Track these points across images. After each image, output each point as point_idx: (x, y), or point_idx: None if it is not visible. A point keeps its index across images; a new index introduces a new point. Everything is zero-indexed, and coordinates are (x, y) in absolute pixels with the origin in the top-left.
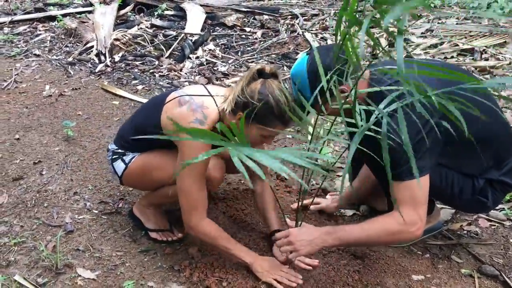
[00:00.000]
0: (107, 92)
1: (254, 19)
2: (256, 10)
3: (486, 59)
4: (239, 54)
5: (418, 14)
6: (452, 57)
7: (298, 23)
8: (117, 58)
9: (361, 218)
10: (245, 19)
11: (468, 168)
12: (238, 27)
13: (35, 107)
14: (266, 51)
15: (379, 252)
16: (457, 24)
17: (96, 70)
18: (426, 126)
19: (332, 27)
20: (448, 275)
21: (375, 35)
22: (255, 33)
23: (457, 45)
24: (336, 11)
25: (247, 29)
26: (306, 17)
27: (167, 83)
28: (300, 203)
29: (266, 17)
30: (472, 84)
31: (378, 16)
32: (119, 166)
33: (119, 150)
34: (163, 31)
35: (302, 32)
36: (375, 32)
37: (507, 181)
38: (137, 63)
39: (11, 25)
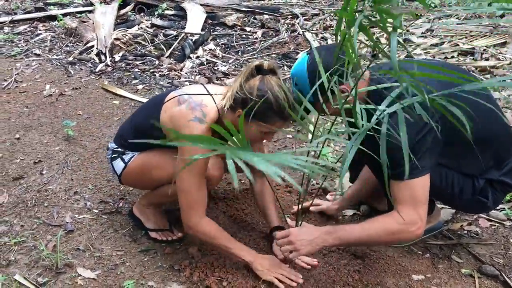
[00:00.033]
0: (108, 91)
1: (255, 18)
2: (256, 10)
3: (487, 59)
4: (240, 53)
5: (418, 14)
6: (453, 57)
7: (298, 23)
8: (117, 57)
9: (362, 218)
10: (246, 18)
11: (468, 168)
12: (238, 27)
13: (35, 107)
14: (266, 51)
15: (379, 252)
16: (457, 24)
17: (97, 70)
18: (426, 126)
19: (333, 26)
20: (448, 275)
21: (375, 35)
22: (256, 32)
23: (458, 45)
24: (337, 10)
25: (248, 28)
26: (307, 17)
27: (168, 83)
28: (300, 206)
29: (266, 16)
30: (472, 84)
31: (377, 16)
32: (119, 165)
33: (119, 149)
34: (163, 31)
35: (303, 32)
36: (375, 32)
37: (507, 181)
38: (138, 62)
39: (11, 25)
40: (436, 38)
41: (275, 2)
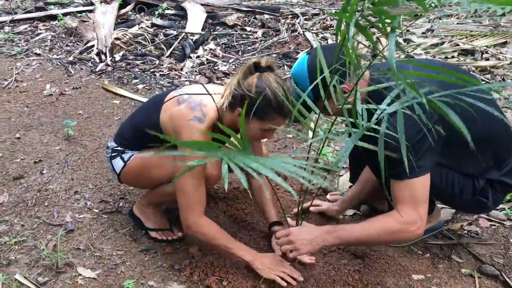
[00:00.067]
0: (108, 91)
1: (255, 18)
2: (256, 10)
3: (487, 59)
4: (240, 53)
5: (418, 14)
6: (453, 57)
7: (298, 23)
8: (117, 57)
9: (362, 218)
10: (246, 18)
11: (468, 168)
12: (238, 27)
13: (35, 106)
14: (266, 51)
15: (379, 252)
16: (458, 23)
17: (97, 69)
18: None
19: (333, 26)
20: (448, 274)
21: (375, 35)
22: (256, 32)
23: (458, 44)
24: (337, 10)
25: (248, 28)
26: (307, 17)
27: (168, 83)
28: (300, 207)
29: (266, 16)
30: (471, 85)
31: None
32: (118, 163)
33: (119, 148)
34: (163, 31)
35: (303, 31)
36: (375, 31)
37: (508, 181)
38: (138, 62)
39: (11, 24)
40: (436, 38)
41: (275, 2)
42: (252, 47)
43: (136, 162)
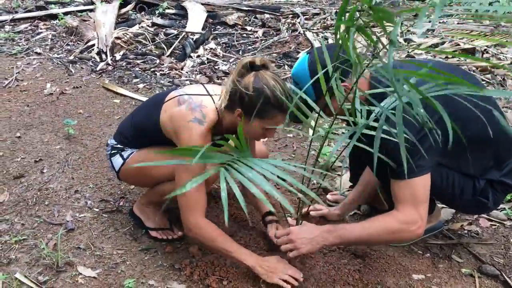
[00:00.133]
0: (108, 90)
1: (255, 18)
2: (257, 9)
3: (488, 59)
4: (240, 53)
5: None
6: (453, 56)
7: (299, 22)
8: (118, 56)
9: (362, 217)
10: (246, 18)
11: (469, 168)
12: (239, 26)
13: (36, 105)
14: (267, 50)
15: (379, 251)
16: (458, 23)
17: (97, 69)
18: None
19: (333, 26)
20: (448, 274)
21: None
22: (256, 32)
23: (458, 44)
24: (337, 10)
25: (248, 28)
26: (307, 16)
27: (168, 82)
28: (299, 207)
29: (267, 16)
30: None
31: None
32: (117, 161)
33: (118, 146)
34: (164, 30)
35: (303, 31)
36: (376, 31)
37: (508, 182)
38: (138, 61)
39: (12, 23)
40: (437, 38)
41: (276, 1)
42: (253, 46)
43: (135, 160)
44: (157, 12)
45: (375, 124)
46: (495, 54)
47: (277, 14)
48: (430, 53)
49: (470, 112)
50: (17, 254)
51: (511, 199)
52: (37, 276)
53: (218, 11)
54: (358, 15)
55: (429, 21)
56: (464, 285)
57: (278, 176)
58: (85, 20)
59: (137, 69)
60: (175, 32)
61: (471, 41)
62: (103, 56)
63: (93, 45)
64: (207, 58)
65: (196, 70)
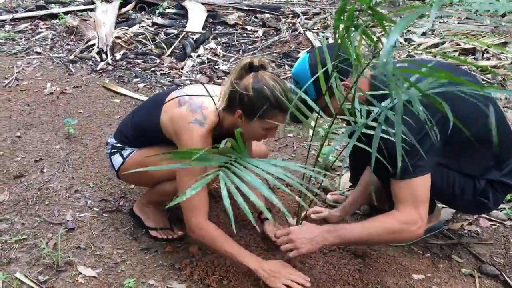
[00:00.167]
0: (108, 90)
1: (256, 17)
2: (257, 9)
3: (488, 59)
4: (241, 52)
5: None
6: (454, 56)
7: (299, 22)
8: (118, 56)
9: (362, 217)
10: (247, 17)
11: (469, 168)
12: (239, 26)
13: (36, 105)
14: (267, 50)
15: (379, 251)
16: (458, 23)
17: (98, 68)
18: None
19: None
20: (448, 274)
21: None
22: (257, 31)
23: (459, 44)
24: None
25: (249, 27)
26: (308, 16)
27: (168, 82)
28: (299, 212)
29: (267, 15)
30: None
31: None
32: (117, 160)
33: (118, 145)
34: (164, 29)
35: (304, 31)
36: (376, 31)
37: (508, 182)
38: (139, 61)
39: (12, 23)
40: (437, 38)
41: (276, 1)
42: (253, 46)
43: (134, 159)
44: (157, 11)
45: (375, 124)
46: (496, 54)
47: (278, 13)
48: (430, 52)
49: (470, 112)
50: (17, 253)
51: (511, 199)
52: (37, 276)
53: (218, 10)
54: (358, 15)
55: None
56: (464, 285)
57: (278, 178)
58: (85, 20)
59: (137, 68)
60: (175, 31)
61: (471, 41)
62: (103, 55)
63: (93, 44)
64: (207, 58)
65: (196, 70)
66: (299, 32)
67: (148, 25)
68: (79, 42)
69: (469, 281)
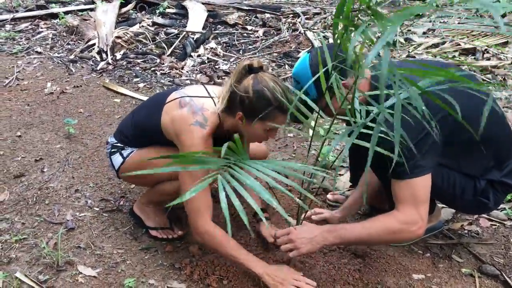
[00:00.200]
0: (109, 90)
1: (256, 17)
2: (258, 9)
3: (488, 59)
4: (241, 52)
5: (419, 14)
6: (454, 56)
7: (300, 22)
8: (118, 56)
9: (362, 217)
10: (247, 17)
11: (469, 168)
12: (239, 26)
13: (36, 105)
14: (267, 50)
15: (379, 251)
16: (459, 23)
17: (98, 68)
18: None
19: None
20: (448, 274)
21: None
22: (257, 31)
23: (459, 44)
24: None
25: (249, 27)
26: (308, 16)
27: (169, 81)
28: (302, 216)
29: (268, 15)
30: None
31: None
32: (117, 159)
33: (118, 144)
34: (164, 29)
35: (304, 30)
36: (376, 31)
37: (509, 182)
38: (139, 61)
39: (12, 23)
40: (437, 38)
41: (276, 1)
42: (253, 46)
43: (134, 159)
44: (157, 11)
45: (374, 125)
46: (496, 54)
47: (278, 13)
48: (430, 52)
49: (469, 112)
50: (17, 253)
51: (511, 199)
52: (37, 275)
53: (219, 10)
54: (357, 14)
55: (430, 21)
56: (464, 285)
57: (277, 180)
58: (86, 20)
59: (137, 68)
60: (176, 31)
61: (471, 41)
62: (104, 55)
63: (94, 44)
64: (208, 58)
65: (196, 70)
66: (300, 32)
67: (148, 25)
68: (79, 41)
69: (469, 281)
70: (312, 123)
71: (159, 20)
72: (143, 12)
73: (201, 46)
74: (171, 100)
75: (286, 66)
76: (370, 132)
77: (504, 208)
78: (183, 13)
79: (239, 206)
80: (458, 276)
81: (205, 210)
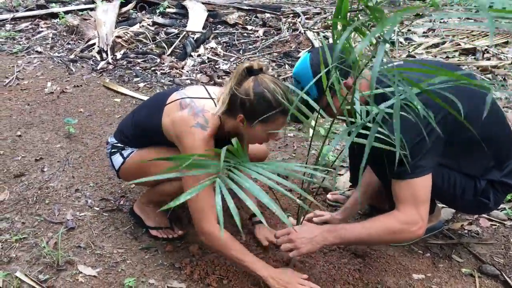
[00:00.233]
0: (109, 89)
1: (256, 17)
2: (258, 8)
3: (488, 59)
4: (241, 52)
5: (420, 14)
6: (454, 56)
7: (300, 22)
8: (118, 55)
9: (362, 217)
10: (247, 17)
11: (469, 168)
12: (240, 25)
13: (36, 104)
14: (267, 50)
15: (379, 251)
16: (459, 23)
17: (98, 68)
18: (428, 126)
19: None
20: (448, 274)
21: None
22: (257, 31)
23: (459, 44)
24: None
25: (249, 27)
26: (308, 16)
27: (169, 81)
28: (302, 218)
29: (268, 15)
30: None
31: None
32: (117, 160)
33: (119, 144)
34: (165, 29)
35: (304, 30)
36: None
37: (509, 182)
38: (139, 60)
39: (13, 22)
40: (437, 38)
41: (276, 1)
42: (253, 46)
43: (135, 159)
44: (157, 11)
45: (370, 125)
46: (496, 53)
47: (278, 13)
48: (431, 52)
49: (469, 112)
50: (17, 252)
51: (511, 199)
52: (37, 275)
53: (219, 10)
54: (356, 15)
55: (430, 21)
56: (464, 285)
57: (277, 182)
58: (86, 19)
59: (137, 68)
60: (176, 31)
61: (471, 41)
62: (104, 55)
63: (94, 44)
64: (208, 57)
65: (196, 69)
66: (300, 32)
67: (148, 25)
68: (79, 41)
69: (469, 281)
70: (313, 123)
71: (159, 19)
72: (143, 12)
73: (201, 46)
74: (172, 101)
75: (286, 66)
76: (369, 133)
77: (504, 208)
78: (183, 13)
79: (233, 208)
80: (458, 276)
81: (209, 210)
